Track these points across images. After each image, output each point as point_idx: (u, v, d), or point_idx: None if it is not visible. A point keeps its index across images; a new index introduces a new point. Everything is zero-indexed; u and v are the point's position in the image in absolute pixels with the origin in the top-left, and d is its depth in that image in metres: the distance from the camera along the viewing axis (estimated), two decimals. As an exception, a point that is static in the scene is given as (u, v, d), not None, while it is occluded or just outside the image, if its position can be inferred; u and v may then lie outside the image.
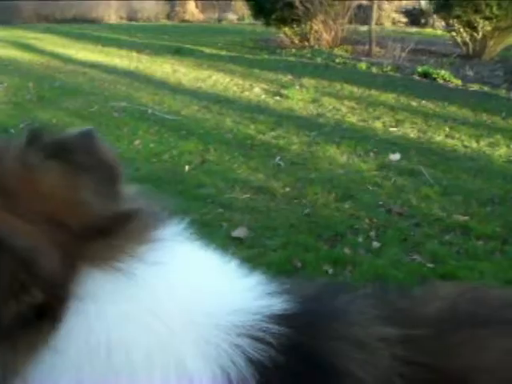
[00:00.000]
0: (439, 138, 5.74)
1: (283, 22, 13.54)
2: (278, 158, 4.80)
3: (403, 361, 0.81)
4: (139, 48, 12.44)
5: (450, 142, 5.62)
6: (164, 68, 10.16)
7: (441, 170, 4.66)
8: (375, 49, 12.09)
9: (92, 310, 0.77)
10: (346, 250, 3.19)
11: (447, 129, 6.07)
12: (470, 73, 10.08)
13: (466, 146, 5.46)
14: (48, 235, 0.77)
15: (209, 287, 0.85)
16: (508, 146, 5.46)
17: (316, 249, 3.18)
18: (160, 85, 8.45)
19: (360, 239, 3.34)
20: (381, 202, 3.93)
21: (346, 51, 12.35)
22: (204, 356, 0.76)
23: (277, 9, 13.31)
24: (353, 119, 6.40)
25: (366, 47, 12.46)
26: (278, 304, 0.82)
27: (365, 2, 15.83)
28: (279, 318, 0.80)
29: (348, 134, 5.68)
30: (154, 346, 0.77)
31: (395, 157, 4.93)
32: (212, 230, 3.34)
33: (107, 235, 0.82)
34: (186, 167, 4.53)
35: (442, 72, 9.37)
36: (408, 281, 2.84)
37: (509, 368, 0.85)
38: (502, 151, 5.31)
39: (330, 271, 2.97)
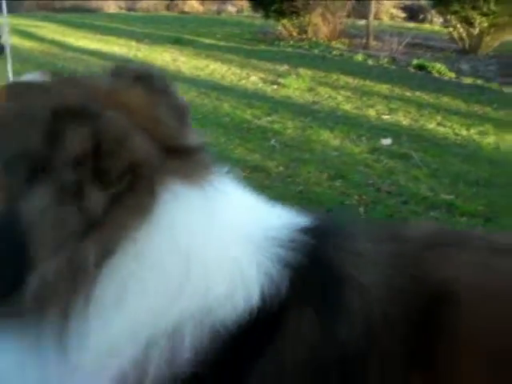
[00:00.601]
0: (431, 125, 5.91)
1: (282, 14, 13.63)
2: (274, 140, 4.95)
3: (395, 270, 1.02)
4: (138, 37, 12.56)
5: (441, 129, 5.79)
6: (163, 57, 10.30)
7: (430, 154, 4.83)
8: (372, 42, 12.23)
9: (173, 218, 0.94)
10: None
11: (439, 118, 6.24)
12: (465, 67, 10.24)
13: (456, 134, 5.63)
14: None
15: (256, 211, 1.07)
16: (497, 135, 5.64)
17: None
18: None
19: (349, 214, 3.50)
20: (371, 181, 4.09)
21: (344, 44, 12.47)
22: (257, 262, 0.97)
23: (276, 1, 13.41)
24: (347, 107, 6.55)
25: (364, 41, 12.59)
26: (303, 223, 1.05)
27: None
28: (305, 233, 1.02)
29: (342, 120, 5.83)
30: (223, 253, 0.96)
31: (387, 141, 5.09)
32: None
33: (185, 157, 1.01)
34: (185, 147, 4.69)
35: (437, 65, 9.52)
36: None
37: (479, 277, 1.03)
38: (490, 139, 5.48)
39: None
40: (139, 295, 0.92)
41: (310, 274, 0.99)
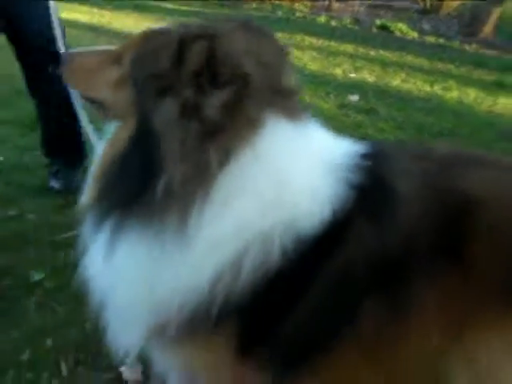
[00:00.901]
0: (395, 82, 6.07)
1: (245, -23, 13.66)
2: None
3: (430, 185, 1.30)
4: (100, 4, 12.46)
5: (405, 86, 5.96)
6: (126, 22, 10.27)
7: (396, 108, 5.00)
8: (335, 4, 12.34)
9: (273, 142, 1.22)
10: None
11: (403, 75, 6.41)
12: (427, 26, 10.44)
13: (420, 90, 5.81)
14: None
15: (328, 143, 1.36)
16: (459, 90, 5.84)
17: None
18: (124, 39, 8.60)
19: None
20: (341, 134, 4.22)
21: (306, 6, 12.57)
22: (329, 184, 1.24)
23: (238, -37, 13.44)
24: (314, 67, 6.67)
25: (326, 3, 12.69)
26: (361, 150, 1.34)
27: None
28: (364, 157, 1.31)
29: (309, 79, 5.95)
30: (307, 177, 1.24)
31: (354, 98, 5.24)
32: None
33: (286, 95, 1.30)
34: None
35: (400, 25, 9.69)
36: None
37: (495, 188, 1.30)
38: (453, 94, 5.68)
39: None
40: (244, 200, 1.18)
41: (369, 192, 1.26)
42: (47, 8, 2.68)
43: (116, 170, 1.27)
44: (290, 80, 1.34)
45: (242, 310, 1.22)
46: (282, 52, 1.37)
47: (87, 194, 1.39)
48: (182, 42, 1.16)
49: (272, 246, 1.19)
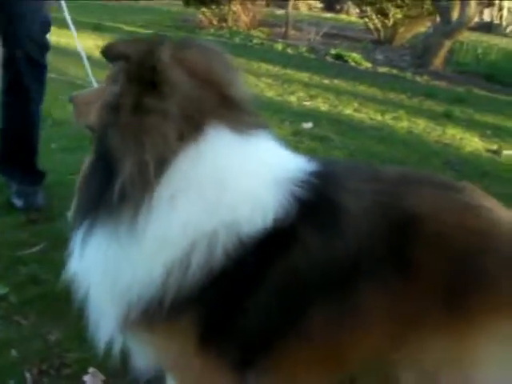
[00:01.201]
0: (348, 111, 6.26)
1: (202, 2, 13.79)
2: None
3: (377, 202, 1.45)
4: (59, 23, 12.47)
5: (357, 115, 6.16)
6: (87, 43, 10.30)
7: (349, 137, 5.18)
8: (291, 32, 12.55)
9: (217, 149, 1.37)
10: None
11: (356, 104, 6.61)
12: (380, 57, 10.71)
13: (372, 119, 6.02)
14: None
15: (279, 157, 1.50)
16: (410, 120, 6.06)
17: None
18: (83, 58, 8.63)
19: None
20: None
21: (263, 33, 12.75)
22: (274, 194, 1.38)
23: (196, -12, 13.58)
24: (270, 94, 6.83)
25: (283, 30, 12.89)
26: (311, 167, 1.47)
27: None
28: (313, 175, 1.44)
29: (265, 106, 6.07)
30: (251, 185, 1.38)
31: (308, 125, 5.40)
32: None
33: (233, 105, 1.44)
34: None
35: (354, 55, 9.93)
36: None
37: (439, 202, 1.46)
38: (404, 124, 5.90)
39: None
40: (188, 201, 1.34)
41: (315, 206, 1.40)
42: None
43: (87, 179, 1.47)
44: (239, 93, 1.51)
45: (193, 302, 1.36)
46: (228, 66, 1.57)
47: (72, 205, 1.57)
48: (132, 62, 1.38)
49: (215, 246, 1.33)
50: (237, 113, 1.45)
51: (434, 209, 1.43)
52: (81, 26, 12.12)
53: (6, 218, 3.19)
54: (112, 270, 1.40)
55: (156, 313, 1.37)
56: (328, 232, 1.40)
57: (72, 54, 8.44)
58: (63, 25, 10.83)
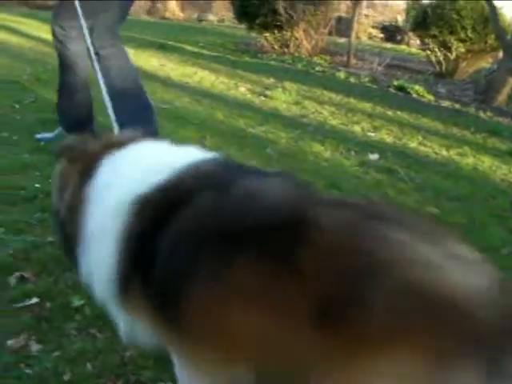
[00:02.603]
0: (413, 144, 6.28)
1: (265, 27, 13.96)
2: (269, 149, 5.25)
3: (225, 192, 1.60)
4: (124, 41, 12.73)
5: (422, 148, 6.16)
6: (151, 62, 10.53)
7: (414, 170, 5.19)
8: (353, 61, 12.61)
9: (117, 163, 1.87)
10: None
11: (420, 137, 6.62)
12: (442, 90, 10.69)
13: (437, 153, 6.02)
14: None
15: (161, 158, 1.84)
16: (475, 157, 6.04)
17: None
18: (150, 77, 8.80)
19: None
20: (362, 192, 4.41)
21: (325, 60, 12.84)
22: (148, 182, 1.70)
23: (261, 14, 13.73)
24: (334, 122, 6.89)
25: (344, 58, 12.97)
26: (190, 166, 1.75)
27: (344, 15, 16.39)
28: (185, 172, 1.71)
29: (330, 134, 6.16)
30: (145, 176, 1.74)
31: (374, 156, 5.44)
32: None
33: (119, 143, 1.97)
34: (188, 151, 4.96)
35: (416, 87, 9.93)
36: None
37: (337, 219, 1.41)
38: (469, 160, 5.89)
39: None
40: (111, 189, 1.78)
41: (183, 187, 1.66)
42: None
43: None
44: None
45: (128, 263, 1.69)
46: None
47: None
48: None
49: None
50: (124, 140, 1.99)
51: (329, 220, 1.40)
52: (146, 44, 12.47)
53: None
54: (93, 260, 1.80)
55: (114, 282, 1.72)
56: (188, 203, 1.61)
57: (158, 79, 8.68)
58: (143, 46, 11.10)
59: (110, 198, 1.75)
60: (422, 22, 12.86)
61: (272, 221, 1.44)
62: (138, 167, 1.82)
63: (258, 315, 1.40)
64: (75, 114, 4.63)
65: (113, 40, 4.52)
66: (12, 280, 2.75)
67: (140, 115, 4.37)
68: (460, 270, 1.29)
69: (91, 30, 3.99)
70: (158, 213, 1.63)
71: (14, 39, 12.23)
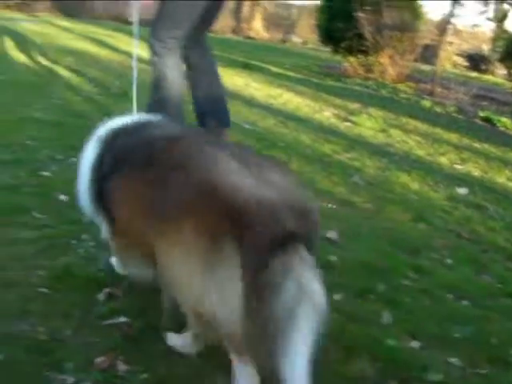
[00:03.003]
0: (501, 179, 6.14)
1: (350, 51, 13.98)
2: (356, 176, 5.23)
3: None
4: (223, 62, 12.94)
5: (510, 184, 6.02)
6: (236, 81, 10.67)
7: (503, 207, 5.06)
8: (437, 89, 12.47)
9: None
10: (424, 262, 3.62)
11: (508, 172, 6.47)
12: (530, 123, 10.43)
13: (526, 191, 5.87)
14: None
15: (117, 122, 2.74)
16: None
17: (398, 257, 3.60)
18: (234, 96, 8.90)
19: (435, 255, 3.75)
20: (451, 228, 4.34)
21: (409, 87, 12.75)
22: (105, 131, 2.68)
23: (346, 38, 13.76)
24: (420, 152, 6.81)
25: (428, 86, 12.84)
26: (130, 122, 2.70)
27: (429, 42, 16.23)
28: (121, 129, 2.63)
29: (416, 164, 6.09)
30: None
31: (462, 190, 5.34)
32: (307, 229, 3.81)
33: None
34: (276, 173, 4.98)
35: (503, 119, 9.75)
36: (480, 296, 3.25)
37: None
38: (562, 200, 5.71)
39: (412, 276, 3.38)
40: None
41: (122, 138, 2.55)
42: None
43: None
44: None
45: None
46: None
47: None
48: None
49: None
50: None
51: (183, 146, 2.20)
52: (231, 63, 12.64)
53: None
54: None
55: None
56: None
57: (242, 98, 8.78)
58: (228, 65, 11.25)
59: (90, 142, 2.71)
60: (511, 53, 12.66)
61: (148, 151, 2.24)
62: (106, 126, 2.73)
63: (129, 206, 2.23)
64: None
65: (205, 50, 5.04)
66: (101, 296, 2.79)
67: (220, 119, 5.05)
68: (251, 182, 1.84)
69: (183, 40, 4.60)
70: (105, 145, 2.57)
71: (103, 52, 12.59)
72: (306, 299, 1.70)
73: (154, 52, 4.67)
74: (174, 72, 4.69)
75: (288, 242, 1.72)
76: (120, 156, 2.36)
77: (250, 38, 25.46)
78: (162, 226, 1.95)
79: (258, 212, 1.73)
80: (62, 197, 3.88)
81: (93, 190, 2.52)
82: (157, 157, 2.14)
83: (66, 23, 20.80)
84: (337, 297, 3.03)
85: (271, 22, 28.43)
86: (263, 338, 1.68)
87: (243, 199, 1.76)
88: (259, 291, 1.68)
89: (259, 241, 1.70)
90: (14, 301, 2.69)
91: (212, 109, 5.03)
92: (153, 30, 4.61)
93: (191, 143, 2.19)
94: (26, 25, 17.60)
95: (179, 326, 2.40)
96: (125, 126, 2.61)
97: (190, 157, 2.03)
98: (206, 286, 1.80)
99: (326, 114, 8.39)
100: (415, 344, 2.72)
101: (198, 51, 4.94)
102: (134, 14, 4.46)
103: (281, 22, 28.91)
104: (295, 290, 1.68)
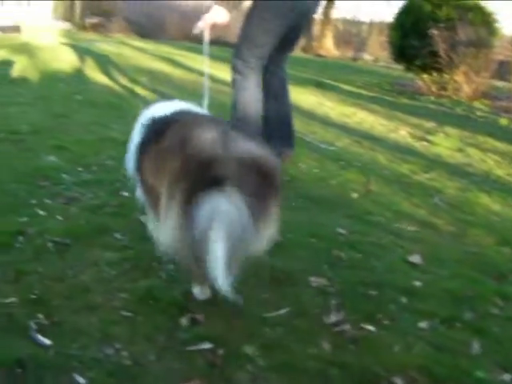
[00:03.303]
0: None
1: (424, 69, 13.81)
2: (436, 197, 5.12)
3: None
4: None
5: None
6: (309, 99, 10.65)
7: None
8: (514, 106, 12.17)
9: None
10: (511, 288, 3.49)
11: None
12: None
13: None
14: None
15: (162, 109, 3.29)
16: None
17: (483, 283, 3.49)
18: (308, 115, 8.90)
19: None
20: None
21: (485, 105, 12.47)
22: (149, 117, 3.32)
23: (420, 56, 13.60)
24: (499, 172, 6.62)
25: (504, 103, 12.55)
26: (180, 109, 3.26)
27: (504, 58, 15.91)
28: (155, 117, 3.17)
29: (497, 185, 5.93)
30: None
31: (546, 214, 5.16)
32: (389, 253, 3.74)
33: None
34: (354, 194, 4.92)
35: None
36: None
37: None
38: None
39: (499, 304, 3.27)
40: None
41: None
42: None
43: None
44: None
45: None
46: None
47: None
48: None
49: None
50: None
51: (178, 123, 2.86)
52: (304, 82, 12.64)
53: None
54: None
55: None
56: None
57: (316, 118, 8.76)
58: (301, 83, 11.24)
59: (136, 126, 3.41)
60: None
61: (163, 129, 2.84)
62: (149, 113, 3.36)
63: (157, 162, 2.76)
64: None
65: (282, 72, 5.30)
66: (184, 321, 2.78)
67: (285, 141, 5.40)
68: (212, 146, 2.46)
69: (265, 60, 4.90)
70: (147, 129, 3.12)
71: (176, 72, 12.76)
72: (222, 215, 2.27)
73: (236, 71, 4.82)
74: (255, 91, 4.85)
75: (219, 184, 2.31)
76: (149, 136, 3.02)
77: (320, 55, 25.44)
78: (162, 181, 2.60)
79: (202, 164, 2.38)
80: (142, 217, 3.91)
81: (134, 161, 3.23)
82: (165, 134, 2.77)
83: (139, 43, 21.18)
84: (422, 325, 2.96)
85: (341, 39, 28.37)
86: (193, 245, 2.36)
87: (199, 158, 2.42)
88: (188, 213, 2.32)
89: (192, 181, 2.37)
90: (98, 324, 2.71)
91: (279, 131, 5.35)
92: (236, 49, 4.82)
93: (187, 123, 2.81)
94: (101, 45, 17.99)
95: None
96: (160, 115, 3.15)
97: (180, 133, 2.67)
98: (164, 224, 2.53)
99: (402, 133, 8.27)
100: (507, 377, 2.61)
101: (276, 72, 5.13)
102: (205, 33, 4.65)
103: (351, 39, 28.82)
104: (214, 212, 2.27)
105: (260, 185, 2.41)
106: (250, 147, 2.52)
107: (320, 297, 3.14)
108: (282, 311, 2.96)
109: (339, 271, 3.44)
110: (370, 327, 2.89)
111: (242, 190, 2.30)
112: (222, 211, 2.26)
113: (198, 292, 2.97)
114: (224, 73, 13.01)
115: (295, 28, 4.86)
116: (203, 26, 4.61)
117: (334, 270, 3.46)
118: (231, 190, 2.30)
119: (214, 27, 4.65)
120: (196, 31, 4.71)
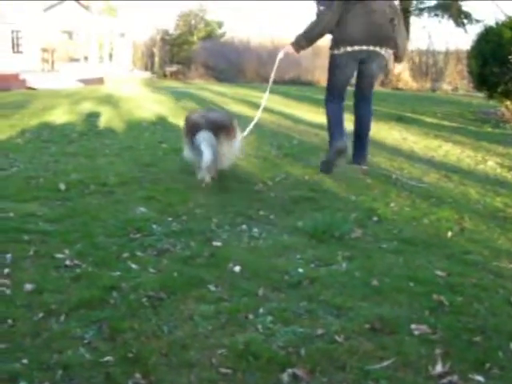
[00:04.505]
0: None
1: (507, 95, 13.50)
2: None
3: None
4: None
5: None
6: (392, 135, 10.51)
7: None
8: None
9: None
10: None
11: None
12: None
13: None
14: None
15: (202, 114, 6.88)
16: None
17: None
18: (393, 151, 8.76)
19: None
20: None
21: None
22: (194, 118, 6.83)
23: (502, 82, 13.32)
24: None
25: None
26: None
27: None
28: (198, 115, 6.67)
29: None
30: None
31: None
32: (491, 295, 3.58)
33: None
34: (449, 233, 4.77)
35: None
36: None
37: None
38: None
39: None
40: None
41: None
42: None
43: None
44: None
45: None
46: None
47: None
48: None
49: None
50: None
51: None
52: (385, 117, 12.51)
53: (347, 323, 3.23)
54: None
55: None
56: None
57: (402, 153, 8.63)
58: (382, 118, 11.16)
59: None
60: None
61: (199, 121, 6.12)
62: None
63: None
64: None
65: (367, 104, 7.75)
66: (284, 377, 2.68)
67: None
68: (198, 117, 6.31)
69: (344, 94, 7.40)
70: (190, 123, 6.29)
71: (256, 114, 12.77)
72: (204, 138, 5.80)
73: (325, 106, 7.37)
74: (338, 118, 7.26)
75: (200, 129, 5.87)
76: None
77: (398, 89, 25.27)
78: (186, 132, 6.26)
79: (192, 123, 6.12)
80: (236, 268, 3.88)
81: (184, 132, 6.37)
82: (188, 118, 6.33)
83: (219, 88, 21.52)
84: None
85: (418, 71, 28.14)
86: (195, 152, 5.96)
87: (191, 122, 6.16)
88: (192, 140, 5.93)
89: (191, 131, 6.01)
90: (196, 383, 2.65)
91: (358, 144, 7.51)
92: (327, 95, 7.38)
93: (197, 115, 6.37)
94: (181, 91, 18.34)
95: None
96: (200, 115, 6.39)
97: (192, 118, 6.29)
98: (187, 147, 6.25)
99: (490, 164, 8.04)
100: None
101: (361, 104, 7.63)
102: (279, 55, 7.09)
103: (428, 70, 28.54)
104: (200, 138, 5.81)
105: (219, 128, 5.94)
106: (215, 116, 6.33)
107: (423, 346, 3.00)
108: (385, 363, 2.83)
109: (441, 317, 3.29)
110: (479, 377, 2.73)
111: (211, 131, 5.84)
112: (204, 138, 5.79)
113: (201, 175, 5.97)
114: (308, 113, 13.07)
115: (366, 66, 7.30)
116: (281, 53, 7.02)
117: (436, 315, 3.32)
118: (206, 131, 5.83)
119: (287, 55, 7.05)
120: (280, 56, 7.02)
